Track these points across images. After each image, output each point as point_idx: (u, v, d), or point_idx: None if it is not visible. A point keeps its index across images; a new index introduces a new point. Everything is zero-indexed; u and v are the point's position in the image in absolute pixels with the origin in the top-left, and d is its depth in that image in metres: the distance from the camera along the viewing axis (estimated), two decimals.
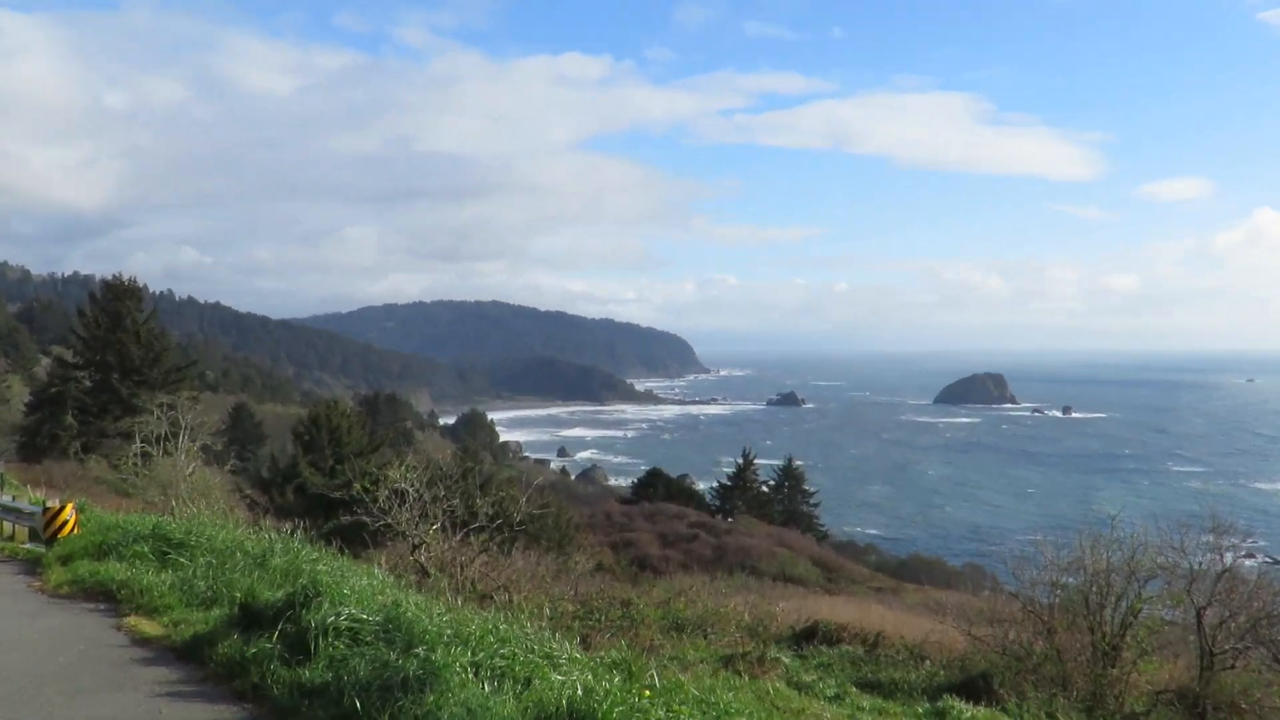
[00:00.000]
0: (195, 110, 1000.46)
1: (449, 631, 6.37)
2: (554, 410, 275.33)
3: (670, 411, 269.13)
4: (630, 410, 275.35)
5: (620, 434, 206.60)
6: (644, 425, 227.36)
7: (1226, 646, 12.62)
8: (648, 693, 5.66)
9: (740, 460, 63.68)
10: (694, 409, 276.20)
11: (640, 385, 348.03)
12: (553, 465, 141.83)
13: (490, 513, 13.58)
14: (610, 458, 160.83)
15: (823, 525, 65.70)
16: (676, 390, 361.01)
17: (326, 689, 5.72)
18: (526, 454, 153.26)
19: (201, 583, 8.93)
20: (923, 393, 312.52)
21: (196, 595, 8.69)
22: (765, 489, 64.71)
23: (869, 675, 13.43)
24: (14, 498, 16.26)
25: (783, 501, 64.96)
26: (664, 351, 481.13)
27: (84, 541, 11.73)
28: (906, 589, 41.93)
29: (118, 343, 41.64)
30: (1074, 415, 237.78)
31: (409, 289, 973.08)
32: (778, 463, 69.02)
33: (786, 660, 13.65)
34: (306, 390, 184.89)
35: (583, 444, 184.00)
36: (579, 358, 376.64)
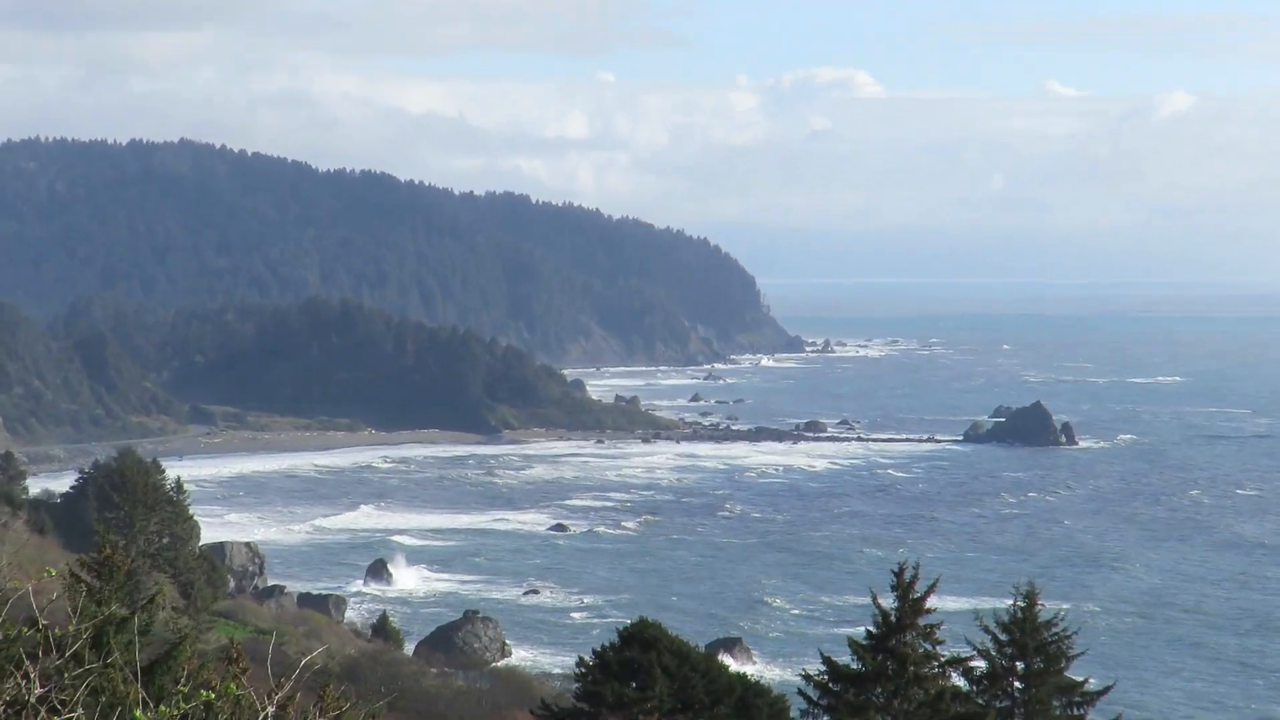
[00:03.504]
0: None
1: None
2: (355, 456, 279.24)
3: (671, 460, 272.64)
4: (568, 452, 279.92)
5: (539, 524, 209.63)
6: (609, 500, 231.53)
7: None
8: None
9: (889, 602, 62.44)
10: (743, 452, 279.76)
11: (598, 385, 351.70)
12: (351, 613, 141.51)
13: None
14: (512, 593, 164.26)
15: None
16: (701, 400, 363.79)
17: None
18: (279, 582, 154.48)
19: None
20: None
21: None
22: (961, 678, 64.12)
23: None
24: None
25: (1013, 715, 64.31)
26: (672, 292, 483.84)
27: None
28: None
29: None
30: None
31: None
32: (994, 603, 69.14)
33: None
34: None
35: (431, 555, 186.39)
36: (432, 308, 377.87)
